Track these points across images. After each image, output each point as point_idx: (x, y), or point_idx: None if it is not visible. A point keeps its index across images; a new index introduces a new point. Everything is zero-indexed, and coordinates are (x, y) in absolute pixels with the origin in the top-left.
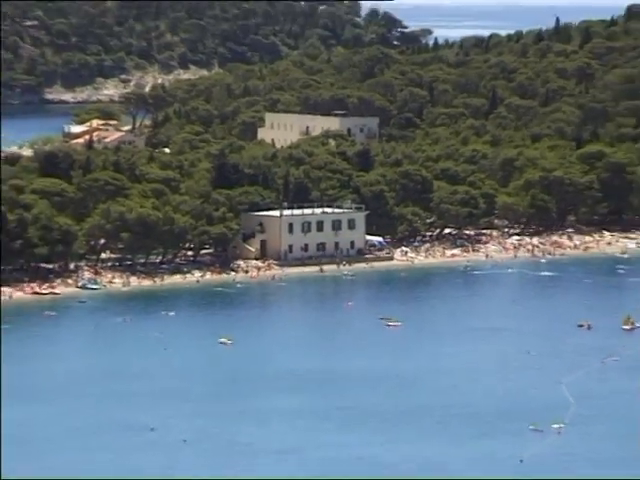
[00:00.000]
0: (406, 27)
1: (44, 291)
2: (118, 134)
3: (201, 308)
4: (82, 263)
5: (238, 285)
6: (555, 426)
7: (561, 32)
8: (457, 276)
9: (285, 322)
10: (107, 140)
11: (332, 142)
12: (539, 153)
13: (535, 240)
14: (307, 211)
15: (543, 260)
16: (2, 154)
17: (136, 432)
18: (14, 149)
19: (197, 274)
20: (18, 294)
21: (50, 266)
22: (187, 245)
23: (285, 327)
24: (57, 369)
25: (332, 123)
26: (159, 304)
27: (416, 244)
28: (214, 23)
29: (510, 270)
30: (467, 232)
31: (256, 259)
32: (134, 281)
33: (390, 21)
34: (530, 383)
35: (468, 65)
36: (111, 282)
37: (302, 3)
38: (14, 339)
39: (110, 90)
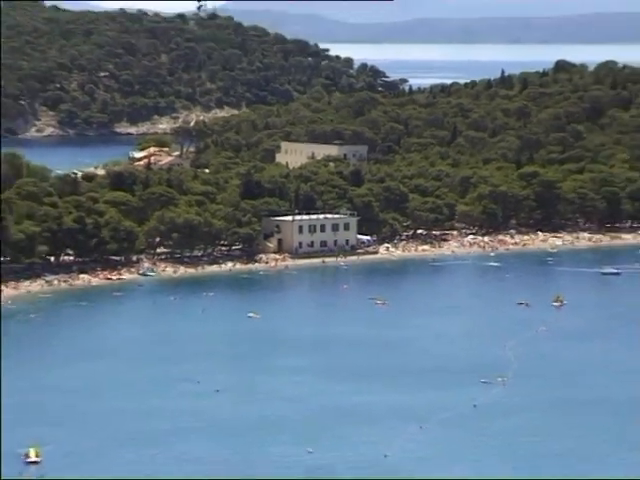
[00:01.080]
0: (388, 77)
1: (113, 277)
2: (170, 158)
3: (233, 290)
4: (142, 256)
5: (261, 273)
6: (500, 379)
7: (505, 81)
8: (426, 266)
9: (296, 301)
10: (161, 163)
11: (332, 164)
12: (489, 173)
13: (486, 238)
14: (313, 216)
15: (492, 254)
16: (81, 174)
17: (184, 383)
18: (91, 170)
19: (229, 264)
20: (94, 279)
21: (118, 258)
22: (222, 242)
23: (297, 304)
24: (123, 335)
25: (332, 150)
26: (201, 287)
27: (395, 241)
28: (242, 74)
29: (466, 262)
30: (434, 232)
31: (274, 253)
32: (181, 269)
33: (376, 72)
34: (481, 346)
35: (435, 106)
36: (164, 270)
37: (310, 59)
38: (92, 313)
39: (164, 125)
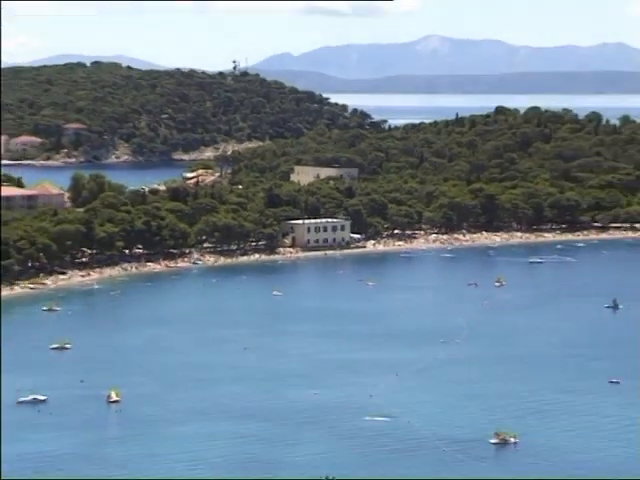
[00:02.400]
0: (373, 118)
1: (171, 265)
2: (213, 178)
3: (260, 274)
4: (192, 249)
5: (280, 262)
6: (456, 340)
7: (459, 121)
8: (401, 257)
9: (307, 282)
10: (206, 181)
11: (331, 182)
12: (447, 188)
13: (444, 236)
14: (318, 220)
15: (449, 248)
16: (148, 189)
17: (223, 343)
18: (155, 186)
19: (256, 255)
20: (157, 266)
21: (175, 251)
22: (251, 239)
23: (307, 285)
24: (179, 307)
25: (331, 172)
26: (236, 272)
27: (378, 238)
28: (266, 116)
29: (430, 253)
30: (407, 232)
31: (289, 247)
32: (221, 259)
33: (364, 115)
34: (441, 315)
35: (407, 139)
36: (208, 260)
37: (315, 105)
38: (155, 291)
39: (208, 153)
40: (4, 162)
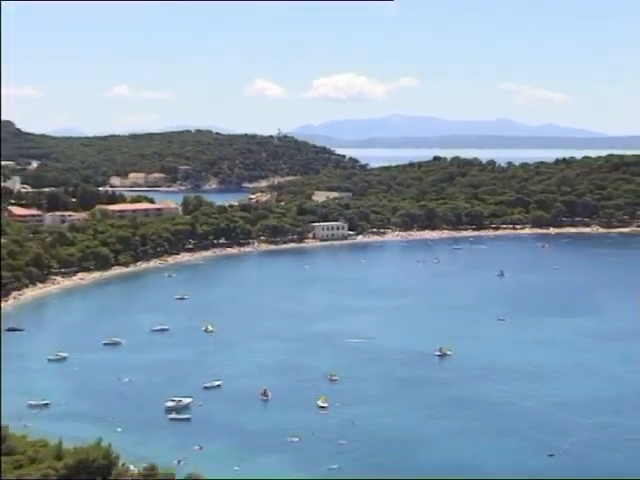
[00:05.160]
0: (360, 163)
1: (241, 250)
2: (266, 198)
3: (294, 256)
4: (254, 240)
5: (306, 248)
6: (409, 294)
7: (412, 165)
8: (378, 246)
9: (322, 260)
10: (262, 199)
11: (336, 200)
12: (405, 204)
13: (403, 233)
14: (328, 223)
15: (405, 240)
16: (227, 204)
17: (271, 295)
18: (232, 202)
19: (292, 244)
20: (232, 250)
21: (243, 241)
22: (289, 234)
23: (322, 261)
24: (245, 275)
25: (336, 194)
26: (279, 254)
27: (364, 234)
28: (298, 161)
29: (394, 244)
30: (381, 230)
31: (312, 239)
32: (270, 246)
33: (355, 161)
34: (399, 280)
35: (381, 175)
36: (263, 246)
37: (326, 155)
38: (230, 264)
39: (264, 183)
40: (145, 189)
